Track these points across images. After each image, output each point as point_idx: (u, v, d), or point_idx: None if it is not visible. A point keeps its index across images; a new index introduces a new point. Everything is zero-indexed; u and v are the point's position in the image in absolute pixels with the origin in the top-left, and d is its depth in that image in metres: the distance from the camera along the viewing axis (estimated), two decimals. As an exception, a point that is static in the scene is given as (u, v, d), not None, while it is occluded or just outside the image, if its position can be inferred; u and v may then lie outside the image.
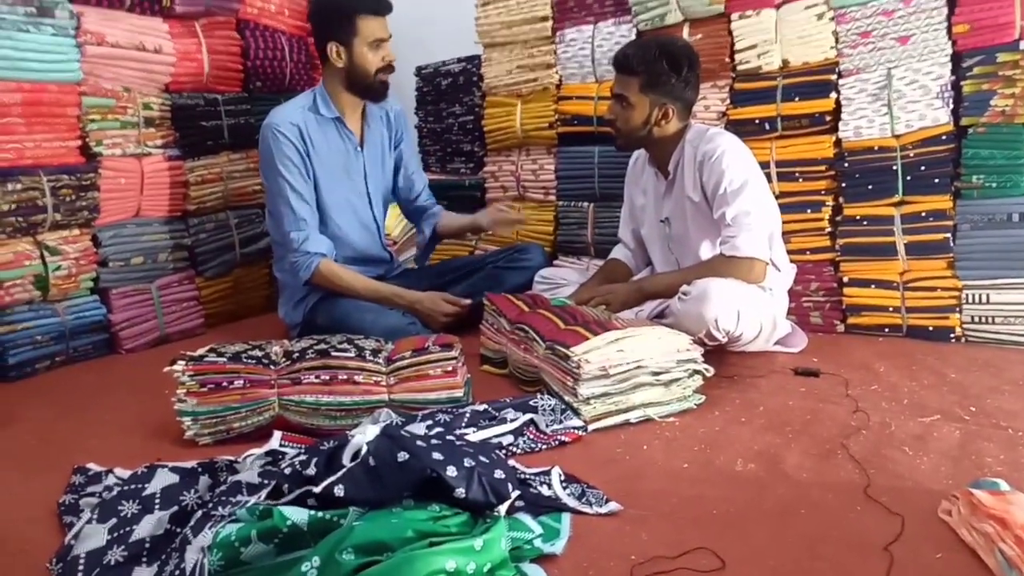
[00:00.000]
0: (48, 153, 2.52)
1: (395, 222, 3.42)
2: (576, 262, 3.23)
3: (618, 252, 2.79)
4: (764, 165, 2.58)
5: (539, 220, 3.34)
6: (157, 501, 1.42)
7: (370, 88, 2.67)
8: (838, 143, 2.60)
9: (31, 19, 2.43)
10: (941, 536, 1.31)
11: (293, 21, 3.37)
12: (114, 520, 1.37)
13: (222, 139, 3.09)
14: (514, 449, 1.72)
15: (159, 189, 2.86)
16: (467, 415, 1.80)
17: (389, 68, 2.65)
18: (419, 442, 1.37)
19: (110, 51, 2.64)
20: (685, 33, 2.84)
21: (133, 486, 1.45)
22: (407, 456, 1.30)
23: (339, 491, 1.28)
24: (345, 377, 1.86)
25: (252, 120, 3.13)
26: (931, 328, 2.47)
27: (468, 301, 2.64)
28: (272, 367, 1.88)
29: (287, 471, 1.39)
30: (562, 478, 1.54)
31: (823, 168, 2.63)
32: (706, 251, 2.46)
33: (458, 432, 1.71)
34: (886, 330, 2.55)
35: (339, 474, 1.31)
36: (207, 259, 3.04)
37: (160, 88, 2.87)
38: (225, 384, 1.82)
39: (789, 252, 2.56)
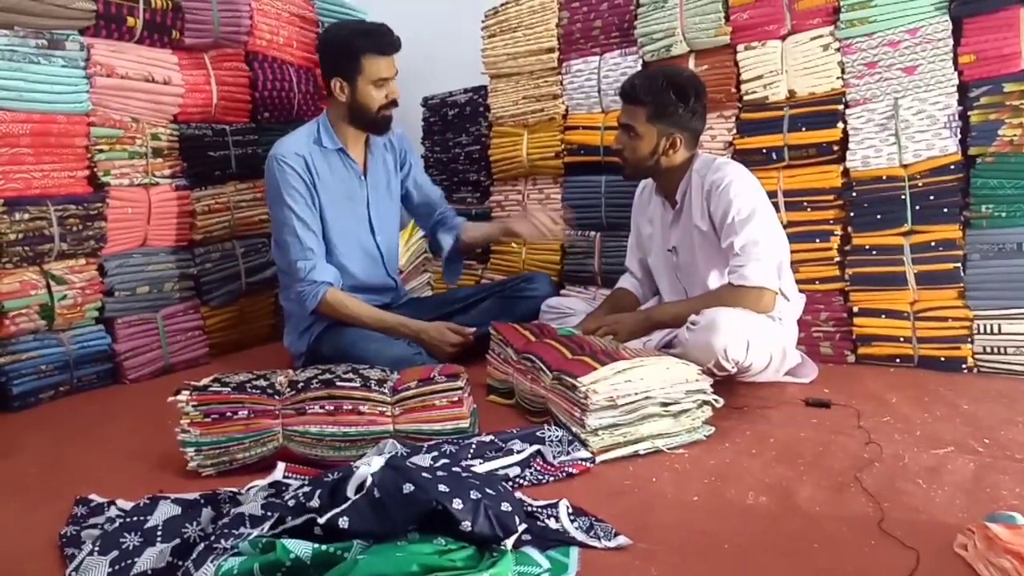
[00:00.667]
0: (56, 183, 2.52)
1: (402, 250, 3.41)
2: (583, 291, 3.22)
3: (625, 281, 2.78)
4: (772, 195, 2.57)
5: (546, 249, 3.34)
6: (159, 533, 1.39)
7: (372, 122, 2.68)
8: (846, 172, 2.60)
9: (42, 51, 2.45)
10: (957, 571, 1.28)
11: (301, 53, 3.40)
12: (116, 552, 1.35)
13: (229, 169, 3.11)
14: (521, 481, 1.69)
15: (166, 219, 2.87)
16: (473, 446, 1.77)
17: (392, 104, 2.66)
18: (424, 474, 1.35)
19: (119, 82, 2.66)
20: (691, 64, 2.85)
21: (135, 518, 1.44)
22: (412, 488, 1.28)
23: (343, 523, 1.26)
24: (350, 407, 1.84)
25: (259, 150, 3.16)
26: (943, 358, 2.45)
27: (474, 331, 2.63)
28: (276, 397, 1.86)
29: (291, 503, 1.37)
30: (570, 511, 1.51)
31: (831, 197, 2.62)
32: (714, 280, 2.45)
33: (464, 463, 1.69)
34: (897, 360, 2.52)
35: (343, 506, 1.29)
36: (212, 288, 3.04)
37: (168, 119, 2.89)
38: (229, 414, 1.81)
39: (798, 282, 2.55)
